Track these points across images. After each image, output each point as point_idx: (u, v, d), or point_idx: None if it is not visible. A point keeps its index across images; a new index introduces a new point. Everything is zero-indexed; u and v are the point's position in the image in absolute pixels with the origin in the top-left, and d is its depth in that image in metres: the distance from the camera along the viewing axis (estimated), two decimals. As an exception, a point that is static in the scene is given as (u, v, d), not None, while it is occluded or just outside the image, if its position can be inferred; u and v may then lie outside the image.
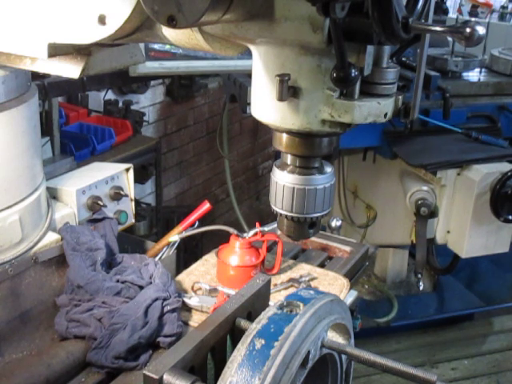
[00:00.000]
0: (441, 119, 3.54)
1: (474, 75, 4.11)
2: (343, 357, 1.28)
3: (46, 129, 3.14)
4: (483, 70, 4.18)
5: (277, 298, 1.78)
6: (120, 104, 4.22)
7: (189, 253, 4.18)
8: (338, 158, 4.36)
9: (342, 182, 4.53)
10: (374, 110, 1.06)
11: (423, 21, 1.01)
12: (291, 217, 1.20)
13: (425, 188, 3.59)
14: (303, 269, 2.07)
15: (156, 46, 2.81)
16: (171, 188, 5.20)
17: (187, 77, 4.72)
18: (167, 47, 2.82)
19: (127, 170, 2.07)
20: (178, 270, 2.00)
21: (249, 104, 1.33)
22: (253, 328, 1.09)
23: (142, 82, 4.38)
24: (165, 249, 2.01)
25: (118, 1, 1.00)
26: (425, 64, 1.16)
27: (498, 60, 4.18)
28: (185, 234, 2.02)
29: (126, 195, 2.03)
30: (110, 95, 4.34)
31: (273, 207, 1.23)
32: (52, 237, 1.70)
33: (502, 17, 5.57)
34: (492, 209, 3.35)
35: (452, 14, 5.68)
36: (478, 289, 5.15)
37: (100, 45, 1.19)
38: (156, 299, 1.58)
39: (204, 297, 1.83)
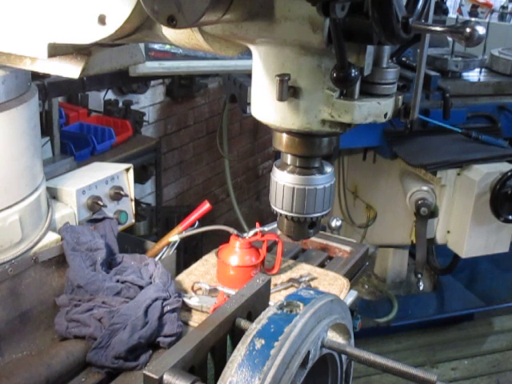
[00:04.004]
0: (441, 119, 3.53)
1: (473, 75, 4.11)
2: (343, 357, 1.28)
3: (45, 129, 3.14)
4: (483, 69, 4.17)
5: (277, 298, 1.78)
6: (120, 104, 4.21)
7: (189, 253, 4.18)
8: (338, 157, 4.36)
9: (342, 182, 4.53)
10: (374, 109, 1.06)
11: (423, 21, 1.01)
12: (291, 217, 1.20)
13: (425, 188, 3.59)
14: (303, 269, 2.07)
15: (156, 46, 2.81)
16: (171, 188, 5.19)
17: (187, 77, 4.72)
18: (167, 47, 2.82)
19: (127, 170, 2.07)
20: (178, 270, 2.00)
21: (249, 104, 1.33)
22: (253, 328, 1.09)
23: (142, 82, 4.38)
24: (165, 249, 2.01)
25: (118, 1, 1.00)
26: (425, 64, 1.16)
27: (498, 60, 4.18)
28: (185, 234, 2.02)
29: (126, 195, 2.03)
30: (110, 95, 4.33)
31: (273, 207, 1.23)
32: (52, 237, 1.69)
33: (502, 17, 5.58)
34: (492, 209, 3.35)
35: (452, 14, 5.69)
36: (478, 289, 5.14)
37: (100, 45, 1.19)
38: (156, 299, 1.58)
39: (204, 297, 1.83)
